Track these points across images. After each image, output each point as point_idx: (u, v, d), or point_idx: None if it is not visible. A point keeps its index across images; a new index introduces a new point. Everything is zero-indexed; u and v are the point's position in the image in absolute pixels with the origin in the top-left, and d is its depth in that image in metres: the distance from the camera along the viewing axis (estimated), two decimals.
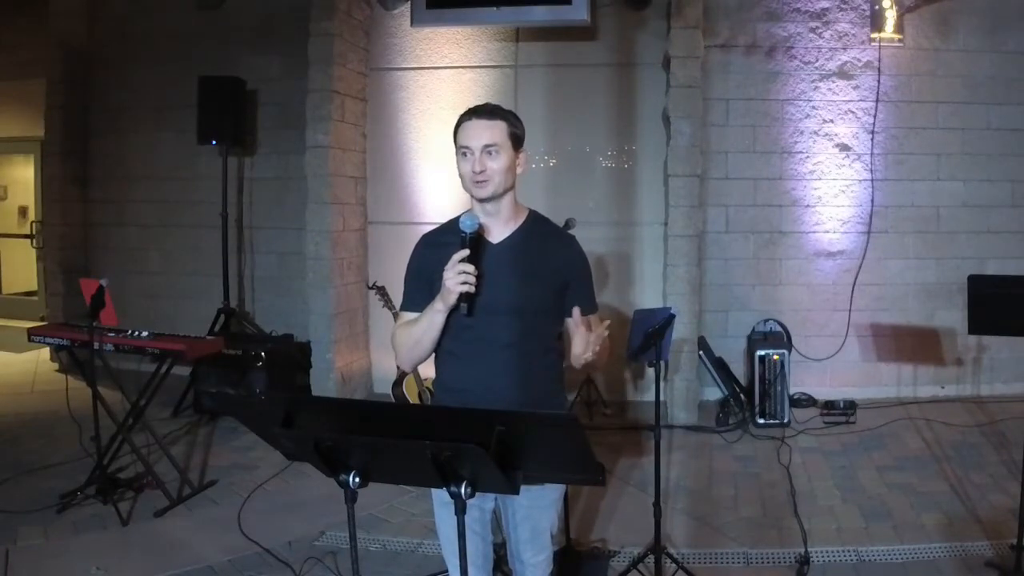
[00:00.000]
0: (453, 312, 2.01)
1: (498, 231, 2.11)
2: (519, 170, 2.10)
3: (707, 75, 5.42)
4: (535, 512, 2.18)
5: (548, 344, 2.14)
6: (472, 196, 2.08)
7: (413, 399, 4.84)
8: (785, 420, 5.04)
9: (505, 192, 2.08)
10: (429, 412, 1.87)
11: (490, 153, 2.02)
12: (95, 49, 6.64)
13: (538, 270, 2.08)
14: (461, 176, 2.07)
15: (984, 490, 3.91)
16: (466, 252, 1.94)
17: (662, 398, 3.14)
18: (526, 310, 2.06)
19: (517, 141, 2.08)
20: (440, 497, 1.96)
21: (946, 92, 5.54)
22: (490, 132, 2.02)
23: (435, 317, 2.02)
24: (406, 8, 5.63)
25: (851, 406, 5.18)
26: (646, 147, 5.68)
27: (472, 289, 1.94)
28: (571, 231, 3.61)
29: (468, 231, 1.96)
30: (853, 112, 5.58)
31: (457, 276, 1.92)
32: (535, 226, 2.15)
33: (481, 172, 2.01)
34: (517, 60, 5.80)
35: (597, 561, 3.30)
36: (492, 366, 2.07)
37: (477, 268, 1.96)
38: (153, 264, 6.60)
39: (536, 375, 2.11)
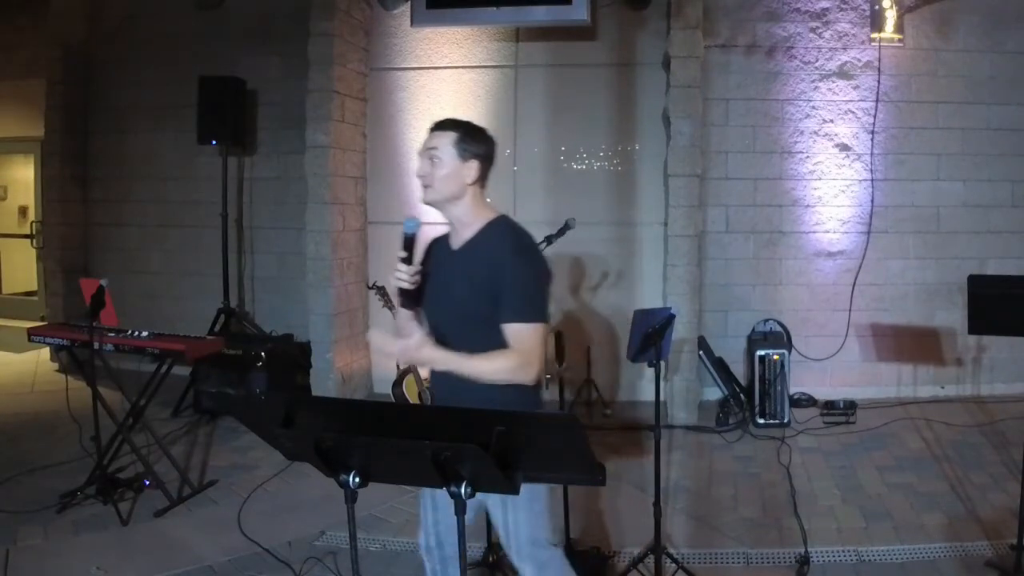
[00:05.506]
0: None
1: (458, 238, 2.22)
2: (468, 180, 2.17)
3: (707, 75, 5.42)
4: (508, 511, 2.19)
5: (493, 350, 2.09)
6: None
7: (413, 399, 4.84)
8: (785, 420, 5.04)
9: (451, 199, 2.17)
10: (429, 412, 1.88)
11: (431, 159, 2.15)
12: (95, 49, 6.63)
13: (476, 277, 2.12)
14: None
15: (984, 490, 3.91)
16: (403, 254, 2.13)
17: (662, 398, 3.14)
18: (467, 316, 2.14)
19: (466, 152, 2.15)
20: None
21: (946, 92, 5.54)
22: (434, 140, 2.17)
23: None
24: (406, 8, 5.63)
25: (851, 406, 5.18)
26: (646, 147, 5.68)
27: (405, 286, 2.15)
28: (570, 231, 3.60)
29: (406, 232, 2.14)
30: (853, 112, 5.58)
31: (393, 273, 2.15)
32: (488, 233, 2.20)
33: (420, 177, 2.17)
34: (517, 60, 5.80)
35: (597, 561, 3.29)
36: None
37: (424, 268, 2.20)
38: (153, 264, 6.60)
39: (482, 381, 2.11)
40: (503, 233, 2.18)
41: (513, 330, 2.08)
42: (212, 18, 6.22)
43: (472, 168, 2.16)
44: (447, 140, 2.15)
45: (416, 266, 2.16)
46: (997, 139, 5.55)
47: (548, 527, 2.23)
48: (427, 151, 2.16)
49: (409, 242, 2.13)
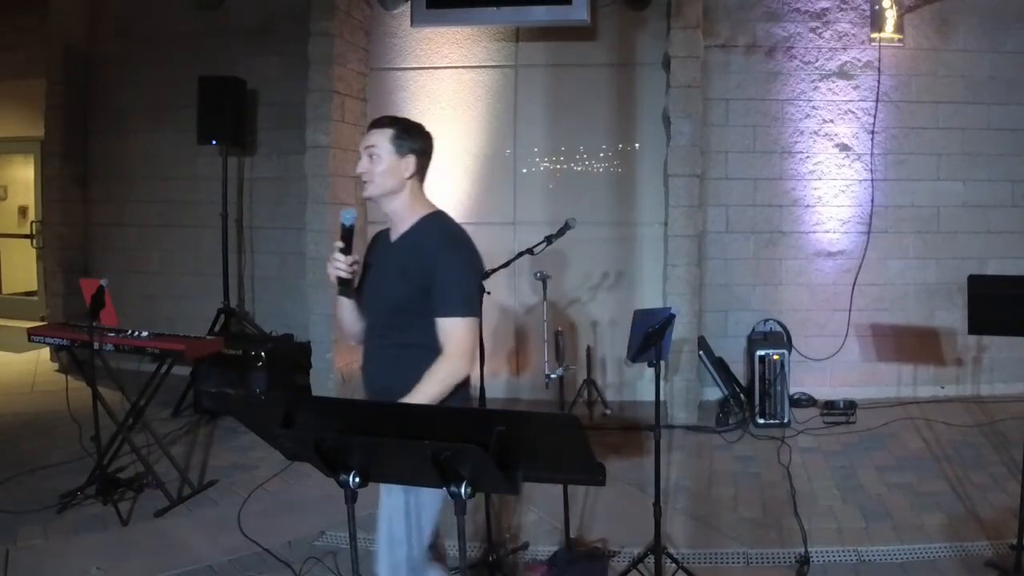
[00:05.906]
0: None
1: (395, 232, 2.30)
2: (406, 174, 2.23)
3: (707, 75, 5.42)
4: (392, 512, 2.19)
5: (421, 340, 2.17)
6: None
7: None
8: (785, 420, 5.04)
9: (390, 194, 2.24)
10: (429, 412, 1.88)
11: (370, 156, 2.22)
12: (95, 49, 6.63)
13: (408, 269, 2.19)
14: None
15: (984, 490, 3.91)
16: (340, 244, 2.21)
17: (662, 398, 3.14)
18: (397, 306, 2.21)
19: (402, 147, 2.22)
20: None
21: (946, 92, 5.54)
22: (373, 137, 2.24)
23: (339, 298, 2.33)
24: (406, 8, 5.63)
25: (851, 406, 5.18)
26: (646, 147, 5.68)
27: (343, 275, 2.22)
28: (570, 231, 3.60)
29: (343, 223, 2.21)
30: (853, 112, 5.58)
31: (330, 263, 2.22)
32: (422, 227, 2.26)
33: (360, 173, 2.24)
34: (517, 60, 5.79)
35: (597, 561, 3.30)
36: (371, 352, 2.31)
37: (365, 260, 2.30)
38: (153, 264, 6.60)
39: (404, 368, 2.17)
40: (435, 227, 2.25)
41: (444, 325, 2.15)
42: (212, 18, 6.22)
43: (409, 163, 2.24)
44: (384, 137, 2.22)
45: (353, 256, 2.23)
46: (997, 139, 5.55)
47: (423, 540, 2.19)
48: (366, 148, 2.22)
49: (347, 233, 2.21)
